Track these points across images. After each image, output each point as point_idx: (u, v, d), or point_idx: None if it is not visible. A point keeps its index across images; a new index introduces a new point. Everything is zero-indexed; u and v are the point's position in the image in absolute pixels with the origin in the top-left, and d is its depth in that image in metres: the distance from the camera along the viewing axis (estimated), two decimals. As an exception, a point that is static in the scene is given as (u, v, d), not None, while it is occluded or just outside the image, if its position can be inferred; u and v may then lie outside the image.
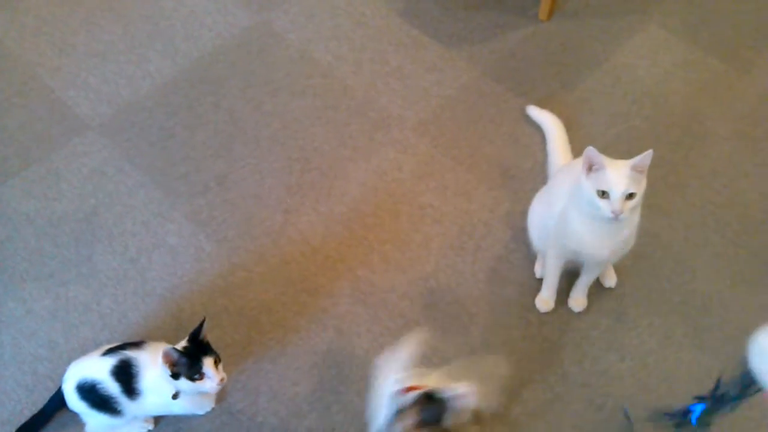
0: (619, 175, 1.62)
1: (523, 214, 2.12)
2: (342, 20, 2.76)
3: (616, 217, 1.63)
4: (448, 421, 1.42)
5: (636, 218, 1.78)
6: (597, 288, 2.11)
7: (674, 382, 1.97)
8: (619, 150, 2.36)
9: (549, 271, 2.03)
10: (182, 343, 1.68)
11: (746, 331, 2.04)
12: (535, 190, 2.11)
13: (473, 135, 2.46)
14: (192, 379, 1.62)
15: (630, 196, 1.63)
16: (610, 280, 2.13)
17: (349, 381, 1.97)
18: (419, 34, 2.72)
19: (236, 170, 2.37)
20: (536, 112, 2.44)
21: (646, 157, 1.62)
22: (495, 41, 2.70)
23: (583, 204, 1.70)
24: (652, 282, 2.14)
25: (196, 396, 1.72)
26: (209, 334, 1.77)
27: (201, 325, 1.68)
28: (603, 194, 1.63)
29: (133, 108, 2.53)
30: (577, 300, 2.08)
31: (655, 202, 2.26)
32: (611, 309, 2.10)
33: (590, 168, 1.66)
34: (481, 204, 2.29)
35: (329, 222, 2.26)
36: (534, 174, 2.32)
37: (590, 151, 1.64)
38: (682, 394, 1.94)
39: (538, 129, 2.43)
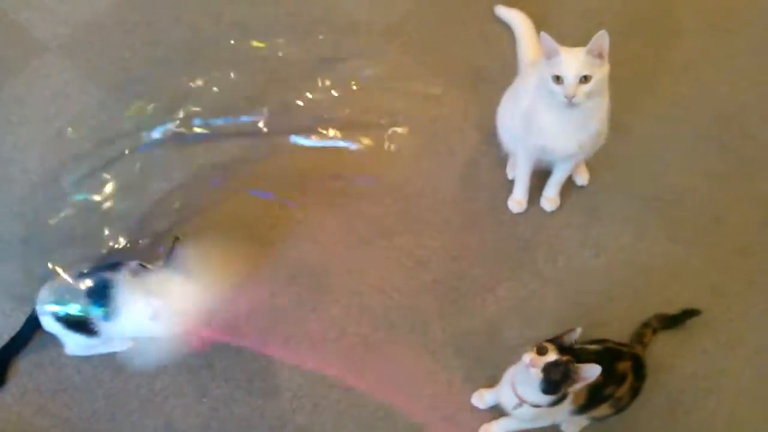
0: (572, 59, 1.61)
1: (494, 116, 2.09)
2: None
3: (570, 101, 1.63)
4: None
5: (602, 110, 1.76)
6: (569, 186, 2.11)
7: (649, 276, 1.99)
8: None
9: (520, 170, 2.02)
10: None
11: (719, 222, 2.08)
12: (505, 91, 2.07)
13: (442, 38, 2.41)
14: None
15: (585, 79, 1.61)
16: (582, 178, 2.12)
17: (326, 290, 1.98)
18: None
19: (200, 86, 2.30)
20: (505, 12, 2.38)
21: (598, 38, 1.59)
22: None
23: (544, 92, 1.69)
24: (625, 177, 2.14)
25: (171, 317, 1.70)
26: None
27: (173, 245, 1.66)
28: (558, 79, 1.62)
29: (92, 26, 2.44)
30: (550, 199, 2.08)
31: (627, 97, 2.21)
32: (584, 206, 2.10)
33: (548, 55, 1.64)
34: (451, 108, 2.27)
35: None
36: (504, 75, 2.26)
37: (543, 37, 1.63)
38: (657, 286, 1.96)
39: (507, 29, 2.38)
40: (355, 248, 2.04)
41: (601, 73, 1.64)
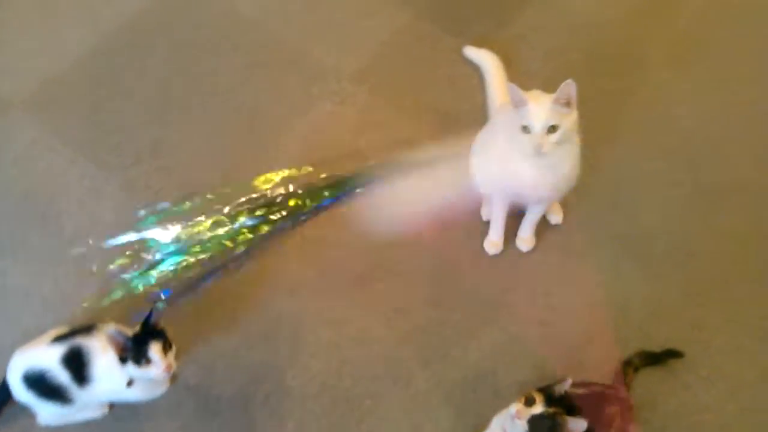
0: (539, 110, 1.61)
1: (466, 157, 2.09)
2: (266, -28, 2.66)
3: (538, 152, 1.63)
4: None
5: (573, 154, 1.77)
6: (544, 225, 2.11)
7: (628, 313, 1.98)
8: (558, 84, 2.32)
9: (494, 212, 2.02)
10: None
11: (694, 256, 2.09)
12: (476, 131, 2.07)
13: (411, 81, 2.41)
14: (138, 363, 1.57)
15: (552, 129, 1.61)
16: (556, 217, 2.12)
17: (305, 343, 1.95)
18: (348, -22, 2.63)
19: (169, 136, 2.30)
20: (473, 53, 2.40)
21: (565, 87, 1.59)
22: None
23: (513, 140, 1.70)
24: (598, 214, 2.15)
25: (148, 382, 1.67)
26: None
27: (150, 314, 1.62)
28: (526, 129, 1.63)
29: (58, 81, 2.42)
30: (525, 239, 2.08)
31: (597, 133, 2.22)
32: (560, 245, 2.10)
33: (516, 105, 1.64)
34: (423, 151, 2.25)
35: (270, 182, 2.21)
36: (474, 116, 2.27)
37: (511, 88, 1.62)
38: (636, 323, 1.96)
39: (476, 69, 2.39)
40: (332, 298, 2.02)
41: (569, 122, 1.64)
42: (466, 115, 2.31)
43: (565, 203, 2.13)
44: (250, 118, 2.33)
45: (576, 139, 1.75)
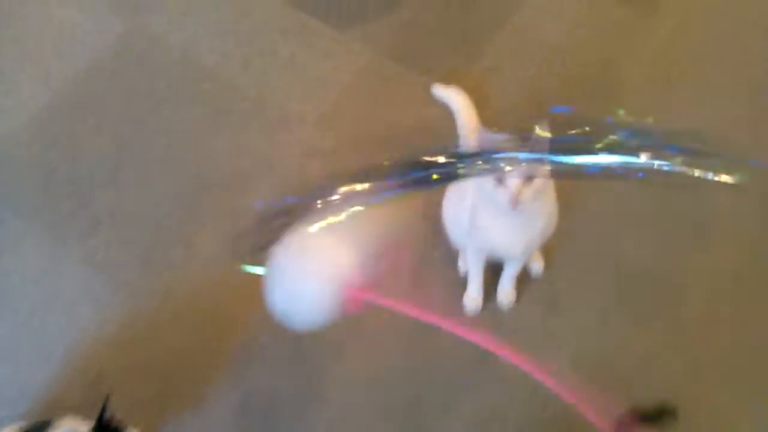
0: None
1: (440, 205, 1.98)
2: (223, 13, 2.54)
3: (514, 206, 1.48)
4: None
5: (548, 205, 1.66)
6: (525, 276, 2.00)
7: (617, 364, 1.89)
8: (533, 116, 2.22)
9: (471, 268, 1.92)
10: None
11: (683, 295, 1.99)
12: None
13: (378, 124, 2.30)
14: None
15: (528, 180, 1.48)
16: (537, 265, 2.02)
17: (279, 417, 1.84)
18: (308, 18, 2.52)
19: (127, 200, 2.18)
20: (441, 91, 2.28)
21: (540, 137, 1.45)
22: (389, 14, 2.52)
23: (485, 195, 1.56)
24: (581, 258, 2.05)
25: None
26: (117, 395, 1.61)
27: (104, 407, 1.51)
28: (500, 181, 1.48)
29: (7, 144, 2.30)
30: (506, 293, 1.97)
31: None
32: (542, 296, 2.00)
33: None
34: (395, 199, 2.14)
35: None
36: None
37: (480, 134, 1.48)
38: (627, 374, 1.87)
39: (446, 111, 2.27)
40: (305, 370, 1.91)
41: (544, 171, 1.52)
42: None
43: (547, 249, 2.01)
44: (212, 173, 2.22)
45: (550, 191, 1.64)
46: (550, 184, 1.63)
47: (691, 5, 2.53)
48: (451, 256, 2.04)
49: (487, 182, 1.51)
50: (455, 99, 2.21)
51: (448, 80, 2.29)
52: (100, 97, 2.37)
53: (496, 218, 1.62)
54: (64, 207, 2.17)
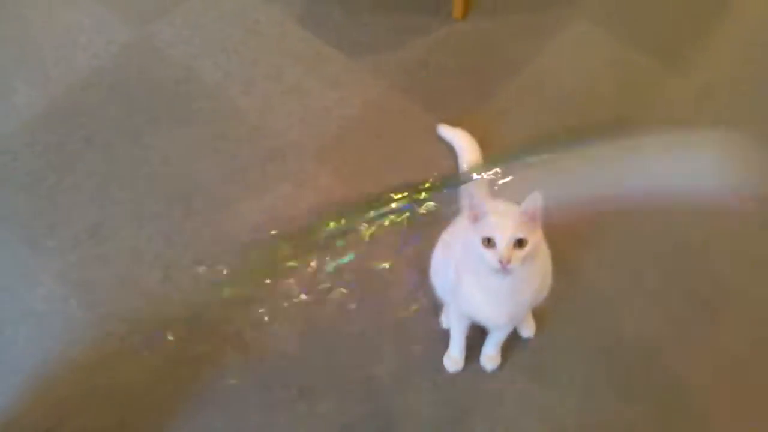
0: (504, 220, 1.39)
1: (431, 256, 1.88)
2: (232, 30, 2.46)
3: (504, 268, 1.38)
4: None
5: (540, 271, 1.54)
6: (514, 338, 1.89)
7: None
8: (538, 169, 2.11)
9: (453, 329, 1.82)
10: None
11: (679, 380, 1.86)
12: (446, 224, 1.86)
13: (379, 162, 2.21)
14: None
15: (519, 243, 1.39)
16: (528, 330, 1.91)
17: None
18: (320, 43, 2.43)
19: (111, 218, 2.10)
20: (447, 132, 2.18)
21: (531, 201, 1.39)
22: (404, 48, 2.42)
23: (471, 258, 1.46)
24: (575, 328, 1.93)
25: None
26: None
27: None
28: (489, 243, 1.39)
29: (-1, 148, 2.24)
30: (490, 357, 1.86)
31: (577, 232, 2.01)
32: (528, 363, 1.88)
33: (475, 217, 1.43)
34: (386, 245, 2.04)
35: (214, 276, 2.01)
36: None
37: (470, 193, 1.43)
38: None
39: (451, 150, 2.17)
40: (271, 414, 1.81)
41: (537, 236, 1.42)
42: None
43: (540, 312, 1.90)
44: (199, 197, 2.14)
45: (541, 255, 1.53)
46: (544, 248, 1.54)
47: (722, 63, 2.40)
48: (434, 308, 1.93)
49: (475, 243, 1.41)
50: (461, 141, 2.11)
51: (455, 120, 2.20)
52: (96, 108, 2.31)
53: (481, 284, 1.51)
54: (46, 219, 2.10)
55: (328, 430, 1.80)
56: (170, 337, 1.92)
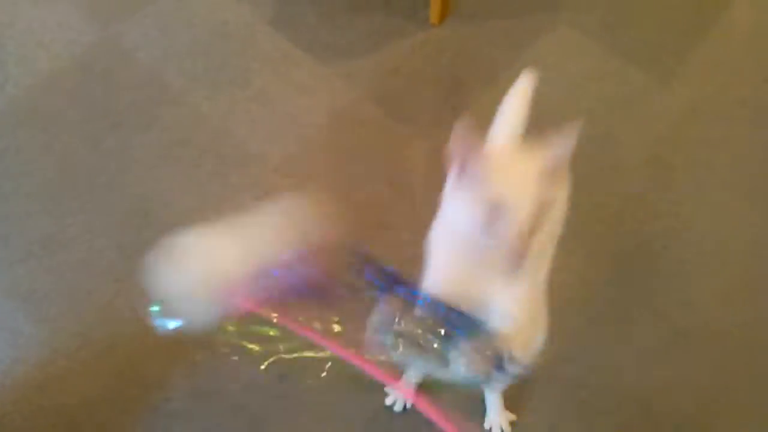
0: (522, 182, 0.92)
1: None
2: (200, 32, 2.37)
3: (517, 260, 0.91)
4: None
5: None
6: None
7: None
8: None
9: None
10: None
11: (647, 410, 1.77)
12: (412, 244, 1.74)
13: (345, 175, 2.12)
14: None
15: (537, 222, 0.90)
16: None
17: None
18: (291, 46, 2.33)
19: (64, 229, 2.03)
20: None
21: (556, 155, 0.98)
22: (378, 53, 2.32)
23: (454, 240, 1.04)
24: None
25: None
26: None
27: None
28: (493, 217, 0.93)
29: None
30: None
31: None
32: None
33: (463, 169, 0.95)
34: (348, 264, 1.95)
35: (167, 293, 1.93)
36: (411, 225, 1.96)
37: (461, 131, 0.97)
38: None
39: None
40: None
41: (561, 200, 1.04)
42: (404, 222, 1.99)
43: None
44: (157, 208, 2.06)
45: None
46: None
47: (712, 77, 2.28)
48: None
49: (466, 213, 0.96)
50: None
51: (428, 130, 2.11)
52: (56, 111, 2.23)
53: (463, 269, 1.07)
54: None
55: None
56: (120, 355, 1.85)
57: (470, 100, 2.22)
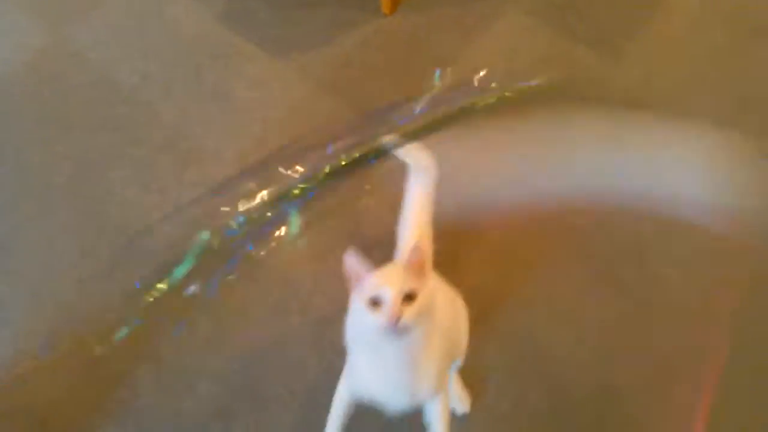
0: (392, 274, 1.25)
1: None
2: (151, 30, 2.37)
3: (395, 327, 1.18)
4: None
5: (441, 336, 1.34)
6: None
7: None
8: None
9: (336, 407, 1.50)
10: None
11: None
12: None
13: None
14: None
15: (409, 298, 1.21)
16: (462, 404, 1.73)
17: None
18: (242, 41, 2.34)
19: (22, 232, 2.02)
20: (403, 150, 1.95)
21: (414, 252, 1.25)
22: (331, 45, 2.34)
23: (360, 331, 1.30)
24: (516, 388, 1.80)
25: None
26: None
27: None
28: (375, 304, 1.21)
29: None
30: None
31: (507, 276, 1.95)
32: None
33: (358, 281, 1.26)
34: (301, 282, 1.94)
35: (129, 292, 1.94)
36: (383, 241, 1.66)
37: (349, 259, 1.24)
38: None
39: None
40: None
41: (427, 289, 1.26)
42: (370, 225, 1.98)
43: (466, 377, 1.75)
44: (113, 209, 2.05)
45: (450, 311, 1.43)
46: (454, 305, 1.44)
47: (658, 53, 2.33)
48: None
49: (361, 310, 1.23)
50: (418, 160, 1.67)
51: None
52: (7, 115, 2.22)
53: (376, 361, 1.31)
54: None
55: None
56: (85, 354, 1.85)
57: (422, 87, 2.24)
